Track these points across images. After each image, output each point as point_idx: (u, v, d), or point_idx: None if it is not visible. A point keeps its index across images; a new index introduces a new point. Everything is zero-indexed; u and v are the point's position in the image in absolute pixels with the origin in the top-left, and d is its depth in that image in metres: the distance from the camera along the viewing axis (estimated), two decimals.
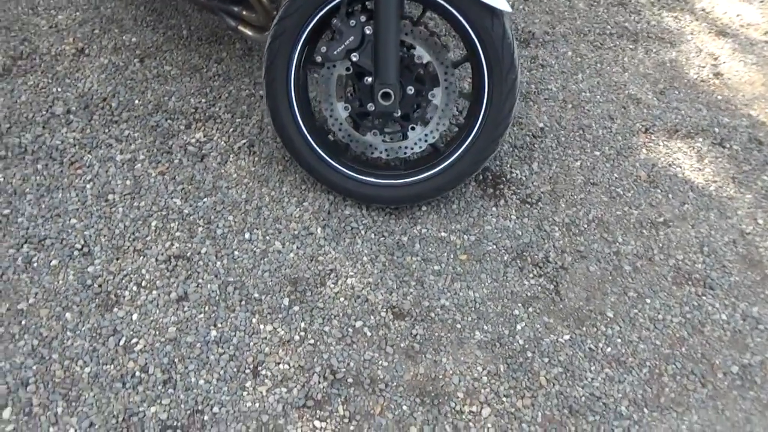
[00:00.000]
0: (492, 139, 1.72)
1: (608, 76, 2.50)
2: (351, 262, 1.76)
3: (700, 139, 2.30)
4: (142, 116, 2.03)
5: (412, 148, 1.76)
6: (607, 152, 2.19)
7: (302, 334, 1.59)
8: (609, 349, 1.68)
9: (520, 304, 1.74)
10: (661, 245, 1.94)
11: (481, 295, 1.74)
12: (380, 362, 1.57)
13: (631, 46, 2.65)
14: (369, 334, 1.62)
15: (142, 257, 1.69)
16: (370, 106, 1.68)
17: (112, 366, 1.48)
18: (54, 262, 1.65)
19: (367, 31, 1.58)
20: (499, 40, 1.59)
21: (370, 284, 1.72)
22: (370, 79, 1.63)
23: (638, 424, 1.55)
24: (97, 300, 1.59)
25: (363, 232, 1.83)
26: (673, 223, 2.01)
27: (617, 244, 1.92)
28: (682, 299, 1.81)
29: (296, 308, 1.64)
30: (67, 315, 1.55)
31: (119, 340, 1.52)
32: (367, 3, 1.61)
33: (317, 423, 1.44)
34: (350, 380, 1.52)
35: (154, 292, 1.62)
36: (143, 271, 1.66)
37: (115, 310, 1.58)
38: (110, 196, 1.81)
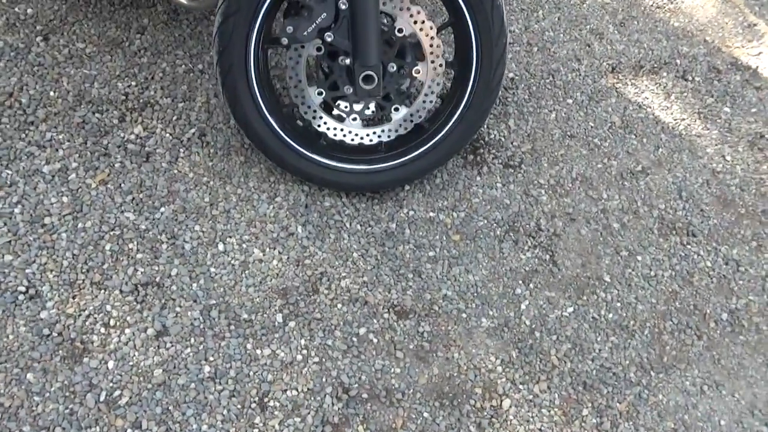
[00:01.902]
0: (482, 111, 1.57)
1: (567, 9, 2.36)
2: (341, 261, 1.61)
3: (665, 74, 2.25)
4: (63, 112, 1.70)
5: (396, 131, 1.58)
6: (579, 99, 2.10)
7: (305, 352, 1.46)
8: (611, 316, 1.67)
9: (520, 281, 1.68)
10: (643, 196, 1.92)
11: (481, 277, 1.66)
12: (392, 370, 1.48)
13: None
14: (375, 340, 1.51)
15: (102, 291, 1.46)
16: (348, 89, 1.47)
17: (98, 428, 1.29)
18: None
19: (342, 6, 1.34)
20: (489, 2, 1.40)
21: (366, 283, 1.59)
22: (347, 60, 1.41)
23: (647, 388, 1.57)
24: (60, 351, 1.37)
25: (348, 224, 1.67)
26: (650, 170, 1.98)
27: (603, 200, 1.88)
28: (669, 251, 1.82)
29: (292, 324, 1.49)
30: (29, 376, 1.33)
31: (99, 396, 1.33)
32: None
33: None
34: (365, 395, 1.43)
35: (127, 330, 1.41)
36: (108, 307, 1.44)
37: (86, 360, 1.37)
38: (47, 220, 1.53)
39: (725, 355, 1.66)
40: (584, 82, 2.15)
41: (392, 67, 1.46)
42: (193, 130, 1.74)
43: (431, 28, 1.45)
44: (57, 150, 1.63)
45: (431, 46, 1.47)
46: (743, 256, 1.85)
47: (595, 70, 2.19)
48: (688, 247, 1.84)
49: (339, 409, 1.40)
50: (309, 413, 1.39)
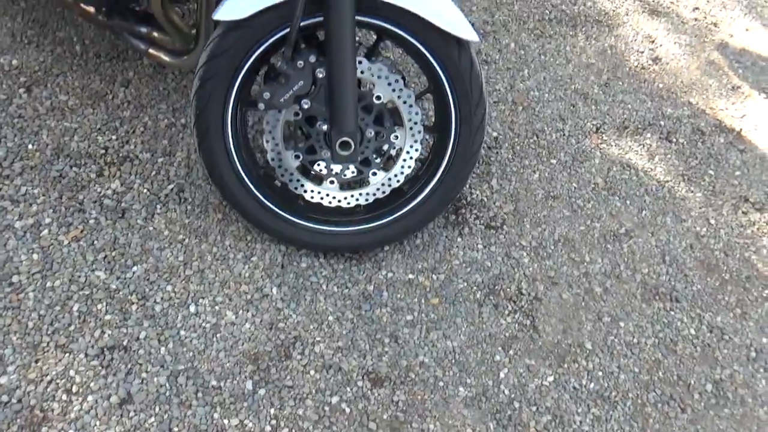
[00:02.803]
0: (460, 178, 1.56)
1: (553, 69, 2.38)
2: (316, 324, 1.58)
3: (648, 135, 2.26)
4: (41, 165, 1.69)
5: (374, 194, 1.56)
6: (563, 159, 2.10)
7: (273, 422, 1.41)
8: (592, 385, 1.63)
9: (500, 348, 1.64)
10: (626, 260, 1.90)
11: (460, 343, 1.62)
12: None
13: (571, 33, 2.55)
14: (348, 410, 1.46)
15: (67, 354, 1.41)
16: (325, 153, 1.46)
17: None
18: None
19: (319, 75, 1.34)
20: (467, 72, 1.41)
21: (340, 349, 1.55)
22: (324, 126, 1.41)
23: None
24: (18, 420, 1.32)
25: (324, 285, 1.64)
26: (634, 233, 1.97)
27: (585, 264, 1.86)
28: (652, 317, 1.79)
29: (262, 392, 1.45)
30: None
31: None
32: (317, 34, 1.36)
33: None
34: None
35: (90, 398, 1.37)
36: (71, 372, 1.39)
37: (44, 429, 1.31)
38: (15, 278, 1.49)
39: (710, 429, 1.62)
40: (568, 143, 2.15)
41: (370, 133, 1.46)
42: (171, 186, 1.73)
43: (409, 96, 1.45)
44: (31, 205, 1.61)
45: (410, 113, 1.47)
46: (727, 324, 1.82)
47: (580, 131, 2.20)
48: (672, 313, 1.81)
49: None
50: None
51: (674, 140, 2.26)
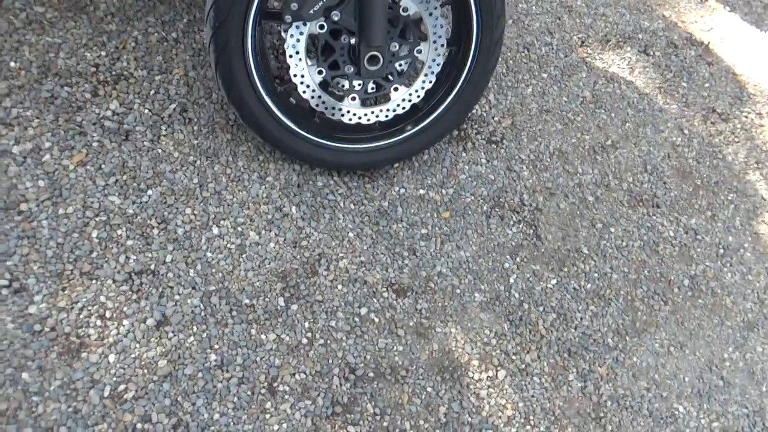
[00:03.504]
0: (478, 91, 1.58)
1: None
2: (337, 241, 1.61)
3: (628, 48, 2.33)
4: (29, 85, 1.56)
5: (394, 110, 1.56)
6: (552, 73, 2.15)
7: (309, 335, 1.47)
8: (589, 286, 1.77)
9: (508, 256, 1.74)
10: (613, 170, 2.02)
11: (471, 253, 1.71)
12: (395, 348, 1.51)
13: None
14: (377, 319, 1.54)
15: (94, 281, 1.39)
16: (349, 69, 1.43)
17: (106, 425, 1.26)
18: None
19: None
20: None
21: (363, 263, 1.60)
22: (351, 40, 1.37)
23: (623, 351, 1.70)
24: (56, 348, 1.30)
25: (341, 203, 1.66)
26: (619, 144, 2.08)
27: (578, 174, 1.96)
28: (638, 222, 1.94)
29: (294, 307, 1.49)
30: (25, 376, 1.26)
31: (103, 392, 1.29)
32: None
33: (351, 429, 1.39)
34: (371, 374, 1.46)
35: (126, 321, 1.36)
36: (102, 298, 1.38)
37: (84, 354, 1.31)
38: (23, 206, 1.42)
39: (687, 318, 1.82)
40: (557, 56, 2.19)
41: (395, 47, 1.43)
42: (173, 106, 1.65)
43: (435, 8, 1.43)
44: (26, 128, 1.51)
45: (435, 26, 1.45)
46: (700, 225, 2.00)
47: (566, 44, 2.24)
48: (654, 218, 1.96)
49: (347, 389, 1.43)
50: (319, 395, 1.41)
51: (651, 53, 2.35)
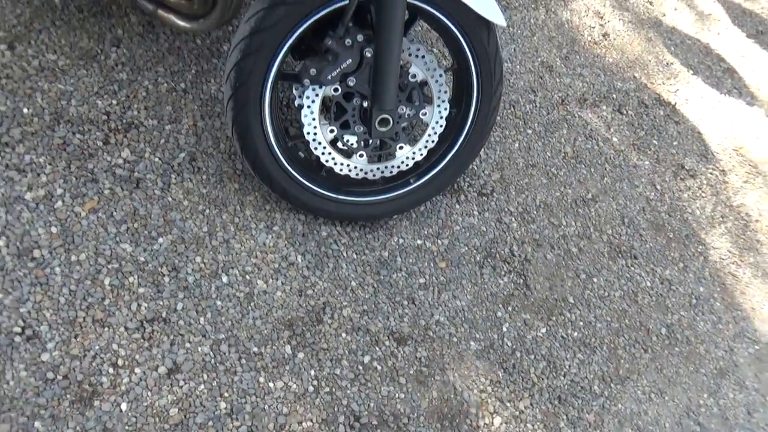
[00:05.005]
0: (474, 151, 1.68)
1: (521, 41, 2.54)
2: (341, 290, 1.67)
3: (604, 107, 2.50)
4: (41, 132, 1.59)
5: (398, 167, 1.65)
6: (536, 129, 2.29)
7: (315, 383, 1.51)
8: (576, 334, 1.87)
9: (500, 305, 1.83)
10: (594, 222, 2.14)
11: (467, 302, 1.79)
12: (397, 395, 1.57)
13: (533, 5, 2.70)
14: (379, 367, 1.59)
15: (106, 329, 1.40)
16: (359, 128, 1.52)
17: None
18: None
19: (367, 54, 1.38)
20: (493, 54, 1.51)
21: (366, 312, 1.66)
22: (362, 102, 1.46)
23: (609, 398, 1.79)
24: (68, 396, 1.31)
25: (344, 253, 1.72)
26: (599, 198, 2.21)
27: (562, 227, 2.08)
28: (618, 273, 2.06)
29: (301, 355, 1.53)
30: (38, 425, 1.26)
31: None
32: (369, 15, 1.39)
33: None
34: (375, 422, 1.51)
35: (138, 369, 1.38)
36: (114, 345, 1.39)
37: (97, 403, 1.32)
38: (36, 252, 1.44)
39: (666, 365, 1.93)
40: (540, 114, 2.34)
41: (402, 110, 1.53)
42: (183, 155, 1.70)
43: (441, 75, 1.54)
44: (39, 175, 1.53)
45: (439, 91, 1.56)
46: (674, 276, 2.14)
47: (548, 102, 2.39)
48: (632, 268, 2.09)
49: None
50: None
51: (625, 112, 2.52)
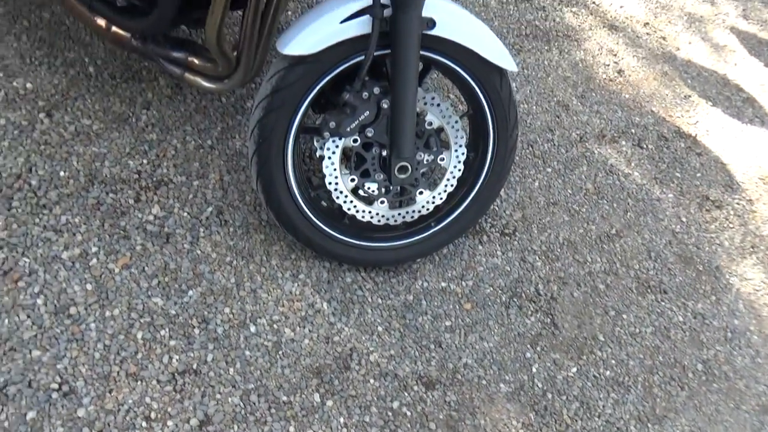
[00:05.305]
0: (494, 193, 1.71)
1: (536, 82, 2.58)
2: (367, 335, 1.68)
3: (623, 142, 2.51)
4: (76, 193, 1.67)
5: (419, 212, 1.68)
6: (556, 167, 2.30)
7: (344, 431, 1.50)
8: (608, 373, 1.84)
9: (528, 345, 1.81)
10: (620, 258, 2.13)
11: (494, 343, 1.78)
12: None
13: (546, 47, 2.76)
14: (408, 413, 1.58)
15: (139, 382, 1.44)
16: (379, 176, 1.56)
17: None
18: (31, 415, 1.34)
19: (384, 105, 1.44)
20: (507, 99, 1.55)
21: (393, 357, 1.66)
22: (381, 151, 1.51)
23: None
24: None
25: (369, 298, 1.74)
26: (623, 233, 2.20)
27: (588, 264, 2.07)
28: (648, 308, 2.03)
29: (330, 403, 1.54)
30: None
31: None
32: (384, 68, 1.45)
33: None
34: None
35: (170, 422, 1.40)
36: (147, 399, 1.42)
37: None
38: (72, 309, 1.49)
39: (704, 403, 1.87)
40: (558, 152, 2.36)
41: (420, 157, 1.57)
42: (210, 209, 1.76)
43: (456, 122, 1.58)
44: (74, 234, 1.60)
45: (456, 136, 1.60)
46: (707, 310, 2.09)
47: (566, 140, 2.41)
48: (662, 303, 2.06)
49: None
50: None
51: (645, 146, 2.53)
